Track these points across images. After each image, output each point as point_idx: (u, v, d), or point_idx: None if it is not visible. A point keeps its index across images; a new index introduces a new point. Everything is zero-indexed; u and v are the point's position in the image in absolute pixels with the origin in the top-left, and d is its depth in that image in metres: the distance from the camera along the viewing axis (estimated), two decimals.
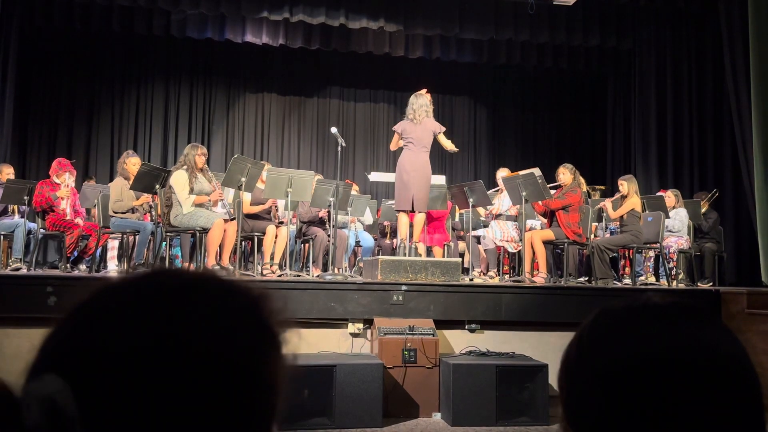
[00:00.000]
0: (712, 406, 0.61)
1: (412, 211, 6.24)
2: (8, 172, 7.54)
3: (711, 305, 5.78)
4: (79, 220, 6.91)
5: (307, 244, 7.28)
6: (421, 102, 6.25)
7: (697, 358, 0.62)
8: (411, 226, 6.30)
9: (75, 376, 0.46)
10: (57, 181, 6.83)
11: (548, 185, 6.65)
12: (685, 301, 0.69)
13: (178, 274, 0.55)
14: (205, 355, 0.50)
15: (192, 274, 0.55)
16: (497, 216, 7.35)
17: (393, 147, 6.52)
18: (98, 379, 0.47)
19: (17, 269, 6.46)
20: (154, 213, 6.55)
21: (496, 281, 6.81)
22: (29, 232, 6.97)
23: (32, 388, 0.45)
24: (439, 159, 11.52)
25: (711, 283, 7.46)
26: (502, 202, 7.29)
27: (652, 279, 7.50)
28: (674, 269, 7.34)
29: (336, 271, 6.46)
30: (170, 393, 0.47)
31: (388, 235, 8.00)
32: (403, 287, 5.34)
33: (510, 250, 7.24)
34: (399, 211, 6.31)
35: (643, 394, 0.61)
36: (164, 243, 6.37)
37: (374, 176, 9.77)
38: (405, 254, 6.11)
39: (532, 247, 6.61)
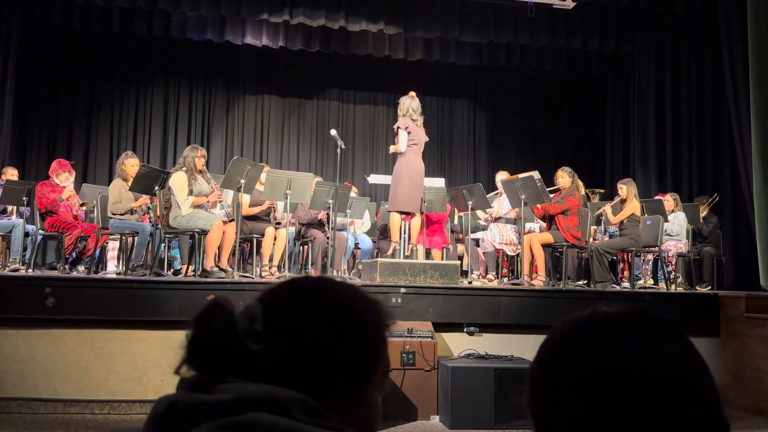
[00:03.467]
0: (662, 413, 0.62)
1: (409, 213, 6.22)
2: (12, 174, 7.55)
3: (708, 312, 5.78)
4: (81, 205, 6.95)
5: (306, 246, 7.28)
6: (417, 104, 6.25)
7: (645, 366, 0.64)
8: (408, 228, 6.30)
9: (264, 304, 0.78)
10: (56, 181, 6.82)
11: (547, 188, 6.66)
12: (636, 309, 0.70)
13: (328, 282, 0.83)
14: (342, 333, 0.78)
15: (334, 283, 0.83)
16: (497, 219, 7.35)
17: (404, 147, 6.12)
18: (279, 308, 0.78)
19: (16, 270, 6.45)
20: (152, 214, 6.55)
21: (494, 284, 6.80)
22: (27, 234, 6.96)
23: (245, 306, 0.76)
24: (438, 161, 11.54)
25: (710, 287, 7.46)
26: (502, 205, 7.29)
27: (651, 282, 7.50)
28: (673, 273, 7.34)
29: (335, 273, 6.46)
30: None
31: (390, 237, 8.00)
32: (402, 290, 5.34)
33: (509, 253, 7.24)
34: (401, 212, 6.26)
35: (595, 403, 0.63)
36: (163, 244, 6.37)
37: (373, 178, 9.76)
38: (408, 256, 6.10)
39: (531, 250, 6.61)
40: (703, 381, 0.65)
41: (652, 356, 0.65)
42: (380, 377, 0.81)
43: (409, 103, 6.24)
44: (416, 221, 6.30)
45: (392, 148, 6.34)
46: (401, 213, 6.26)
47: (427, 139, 6.39)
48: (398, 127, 6.23)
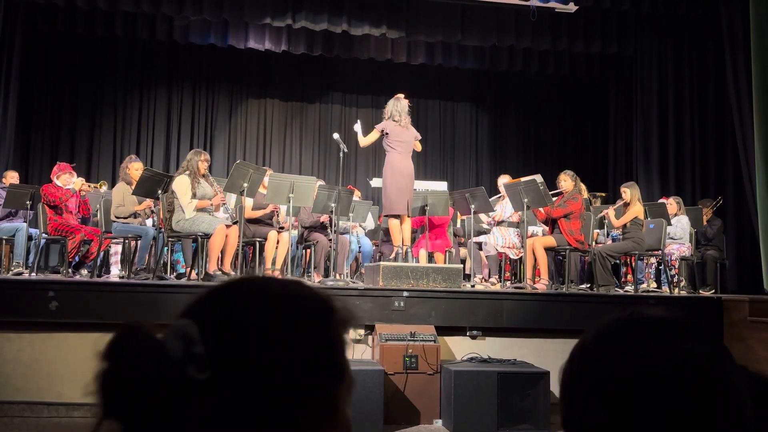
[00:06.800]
0: (693, 413, 0.63)
1: (397, 216, 6.21)
2: (13, 177, 7.56)
3: (711, 315, 5.77)
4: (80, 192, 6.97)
5: (308, 250, 7.28)
6: (403, 105, 6.27)
7: (679, 366, 0.65)
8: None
9: (197, 320, 0.63)
10: (59, 183, 6.84)
11: (550, 192, 6.66)
12: (674, 313, 0.71)
13: (270, 282, 0.71)
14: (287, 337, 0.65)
15: (278, 283, 0.71)
16: (499, 222, 7.35)
17: (366, 143, 6.35)
18: (215, 326, 0.64)
19: (19, 273, 6.46)
20: (156, 218, 6.55)
21: (497, 288, 6.80)
22: (30, 238, 6.97)
23: (173, 327, 0.62)
24: (441, 165, 11.54)
25: (713, 291, 7.44)
26: (504, 208, 7.29)
27: (654, 286, 7.48)
28: (676, 276, 7.33)
29: (337, 276, 6.46)
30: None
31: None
32: (405, 293, 5.34)
33: (512, 256, 7.23)
34: (391, 216, 6.26)
35: (628, 402, 0.64)
36: (166, 248, 6.37)
37: (376, 182, 9.76)
38: (406, 260, 6.10)
39: (534, 254, 6.61)
40: (737, 385, 0.66)
41: (687, 357, 0.66)
42: (348, 385, 0.69)
43: (392, 106, 6.27)
44: (407, 225, 6.27)
45: (357, 128, 6.51)
46: (389, 216, 6.27)
47: (419, 137, 6.40)
48: (375, 127, 6.32)
